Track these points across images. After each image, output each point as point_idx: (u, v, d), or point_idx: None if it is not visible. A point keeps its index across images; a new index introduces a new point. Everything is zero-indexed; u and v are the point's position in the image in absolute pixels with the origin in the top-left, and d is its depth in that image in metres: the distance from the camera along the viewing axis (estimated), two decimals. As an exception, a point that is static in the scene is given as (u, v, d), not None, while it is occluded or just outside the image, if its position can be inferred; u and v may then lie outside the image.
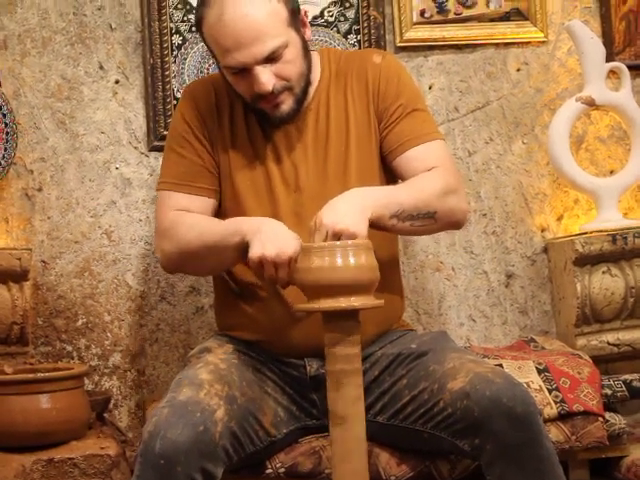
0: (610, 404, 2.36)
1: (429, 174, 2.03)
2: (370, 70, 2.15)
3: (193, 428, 1.75)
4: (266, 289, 2.03)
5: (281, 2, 1.99)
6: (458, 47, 2.81)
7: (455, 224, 2.08)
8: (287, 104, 2.05)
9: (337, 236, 1.81)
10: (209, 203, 2.12)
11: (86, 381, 2.48)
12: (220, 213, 2.13)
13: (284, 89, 2.02)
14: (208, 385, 1.87)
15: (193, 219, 2.08)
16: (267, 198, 2.08)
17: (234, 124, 2.14)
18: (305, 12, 2.10)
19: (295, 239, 1.86)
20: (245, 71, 2.00)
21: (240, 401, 1.91)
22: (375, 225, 1.91)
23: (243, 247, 1.92)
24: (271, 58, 1.98)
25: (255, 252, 1.86)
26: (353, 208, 1.86)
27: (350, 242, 1.78)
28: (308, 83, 2.09)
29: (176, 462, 1.72)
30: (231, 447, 1.84)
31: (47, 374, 2.26)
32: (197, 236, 2.03)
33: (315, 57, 2.17)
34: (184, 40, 2.69)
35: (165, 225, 2.10)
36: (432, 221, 2.00)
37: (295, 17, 2.03)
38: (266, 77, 1.98)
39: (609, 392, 2.37)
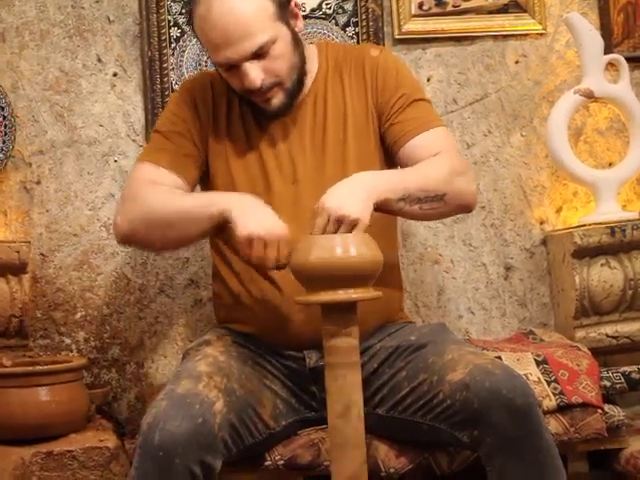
0: (609, 396, 2.36)
1: (434, 159, 2.02)
2: (367, 62, 2.15)
3: (192, 420, 1.76)
4: (262, 274, 2.03)
5: None
6: (456, 39, 2.80)
7: (465, 207, 2.06)
8: (278, 98, 2.05)
9: (339, 221, 1.80)
10: (185, 188, 2.08)
11: (85, 374, 2.48)
12: None
13: (273, 85, 2.02)
14: (207, 377, 1.87)
15: (166, 188, 2.04)
16: (264, 191, 2.06)
17: (230, 117, 2.14)
18: (296, 3, 2.08)
19: (280, 220, 1.86)
20: (235, 67, 2.00)
21: (239, 393, 1.91)
22: (383, 209, 1.90)
23: (219, 219, 1.91)
24: (259, 54, 1.98)
25: (243, 229, 1.85)
26: (357, 193, 1.85)
27: (350, 234, 1.78)
28: (302, 75, 2.09)
29: (175, 454, 1.72)
30: (230, 439, 1.84)
31: (46, 367, 2.26)
32: (171, 200, 2.00)
33: (313, 50, 2.17)
34: (182, 32, 2.68)
35: (135, 190, 2.06)
36: (442, 204, 1.98)
37: (284, 10, 2.02)
38: (254, 73, 1.99)
39: (608, 384, 2.37)
